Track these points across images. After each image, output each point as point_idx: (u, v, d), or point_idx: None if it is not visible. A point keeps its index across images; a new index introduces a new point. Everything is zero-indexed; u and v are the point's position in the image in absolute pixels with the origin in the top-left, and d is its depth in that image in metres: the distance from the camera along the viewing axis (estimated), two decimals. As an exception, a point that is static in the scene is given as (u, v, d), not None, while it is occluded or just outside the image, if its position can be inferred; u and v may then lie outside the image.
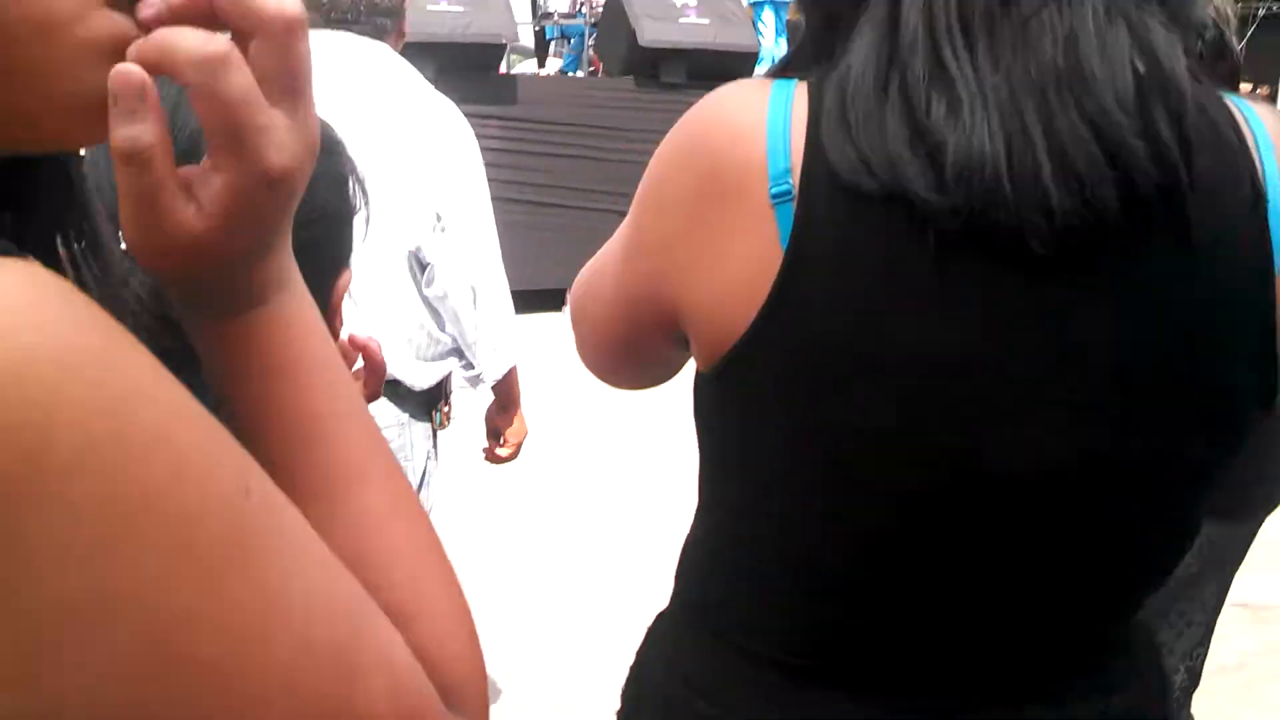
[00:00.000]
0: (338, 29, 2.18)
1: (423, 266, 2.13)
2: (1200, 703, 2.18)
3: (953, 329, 0.76)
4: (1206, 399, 0.80)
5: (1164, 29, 0.77)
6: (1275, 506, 2.05)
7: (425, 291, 2.15)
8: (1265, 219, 0.78)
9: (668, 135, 0.86)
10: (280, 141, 0.46)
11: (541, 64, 13.73)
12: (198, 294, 0.51)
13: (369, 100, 2.10)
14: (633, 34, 8.46)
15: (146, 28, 0.45)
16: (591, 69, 9.93)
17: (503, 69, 9.13)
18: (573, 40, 11.99)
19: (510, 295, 2.31)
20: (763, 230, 0.77)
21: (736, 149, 0.79)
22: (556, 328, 7.78)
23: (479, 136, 7.52)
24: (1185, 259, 0.77)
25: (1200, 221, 0.76)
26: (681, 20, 8.46)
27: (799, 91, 0.80)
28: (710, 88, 0.86)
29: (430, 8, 7.41)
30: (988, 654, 0.86)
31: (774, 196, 0.77)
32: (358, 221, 1.00)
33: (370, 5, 2.21)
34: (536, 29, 12.95)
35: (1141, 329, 0.77)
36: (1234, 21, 1.11)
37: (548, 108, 8.51)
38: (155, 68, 0.44)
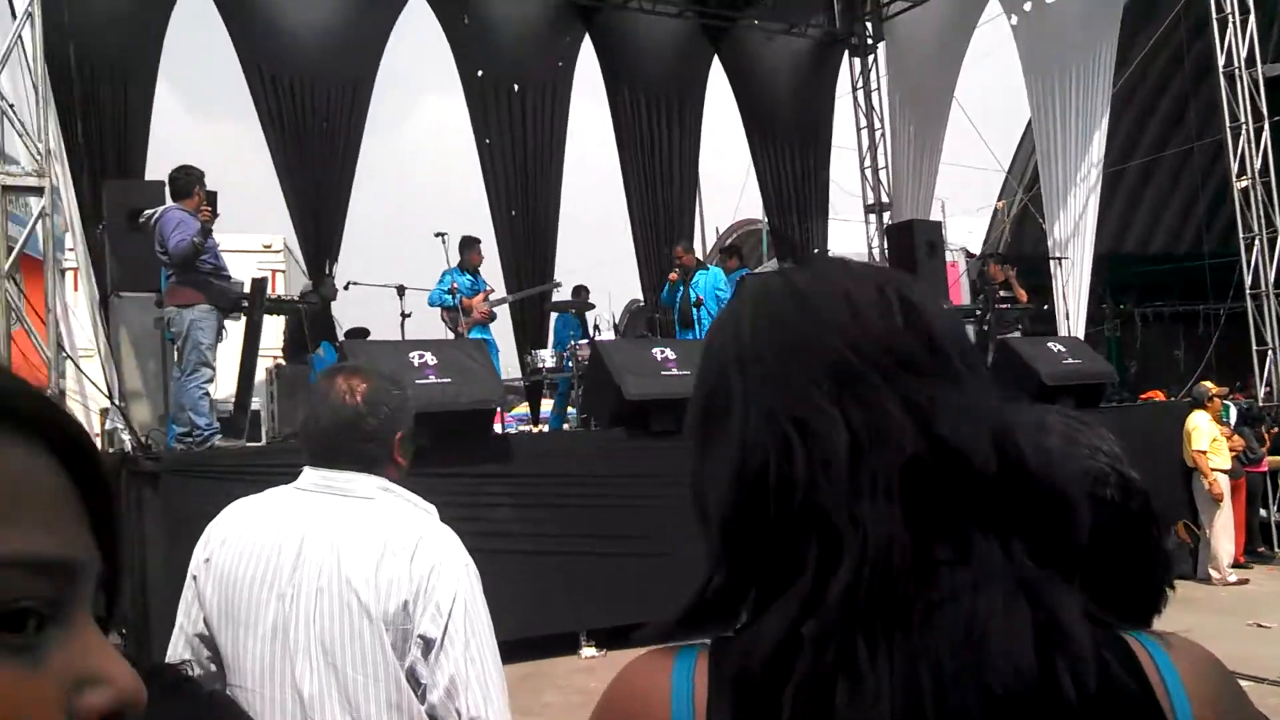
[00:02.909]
0: (323, 466, 2.24)
1: (417, 687, 2.12)
2: None
3: None
4: None
5: (1067, 594, 0.83)
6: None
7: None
8: None
9: (593, 712, 0.93)
10: None
11: (535, 412, 14.29)
12: None
13: (345, 544, 2.13)
14: (618, 389, 8.83)
15: None
16: (583, 418, 10.28)
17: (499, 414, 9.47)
18: (558, 393, 12.51)
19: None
20: None
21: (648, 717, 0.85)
22: (572, 670, 7.74)
23: (481, 495, 7.67)
24: None
25: None
26: (663, 374, 8.90)
27: (699, 664, 0.86)
28: None
29: (420, 382, 7.72)
30: None
31: None
32: None
33: (355, 436, 2.24)
34: (527, 384, 13.51)
35: None
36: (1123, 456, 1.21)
37: (543, 462, 8.74)
38: None
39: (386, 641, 2.09)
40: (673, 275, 12.52)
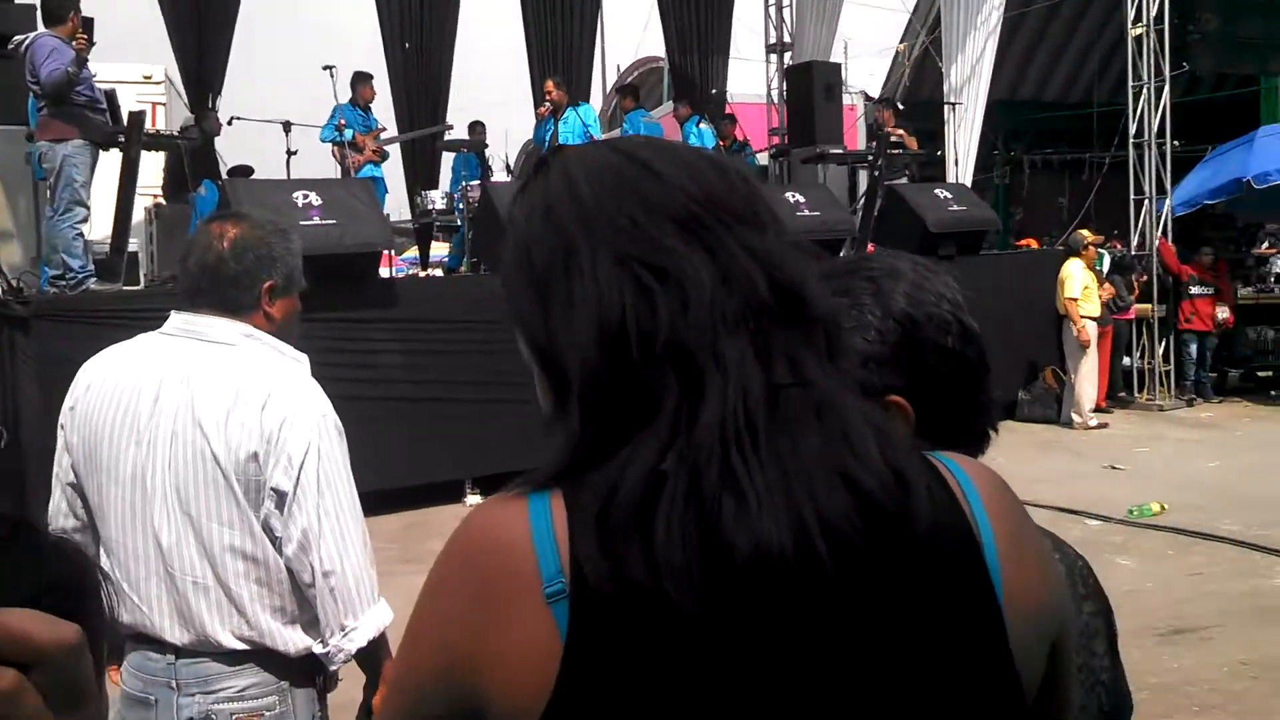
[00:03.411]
0: (187, 310, 2.24)
1: (274, 539, 2.14)
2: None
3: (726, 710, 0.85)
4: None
5: (884, 419, 0.94)
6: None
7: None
8: (984, 559, 0.92)
9: (436, 561, 0.94)
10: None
11: (425, 256, 14.15)
12: None
13: (200, 390, 2.15)
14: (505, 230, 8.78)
15: None
16: (473, 262, 10.23)
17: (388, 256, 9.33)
18: (453, 237, 12.39)
19: (370, 573, 2.22)
20: (542, 626, 0.85)
21: (511, 559, 0.87)
22: (457, 517, 7.83)
23: (366, 340, 7.64)
24: (925, 604, 0.89)
25: (931, 567, 0.89)
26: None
27: (554, 500, 0.88)
28: None
29: (304, 223, 7.60)
30: None
31: (549, 596, 0.85)
32: None
33: (217, 280, 2.22)
34: (415, 226, 13.35)
35: (894, 676, 0.87)
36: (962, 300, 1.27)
37: (431, 307, 8.74)
38: None
39: (239, 491, 2.10)
40: (541, 110, 12.19)
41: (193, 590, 2.13)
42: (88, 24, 7.96)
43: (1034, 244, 14.02)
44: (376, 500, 7.06)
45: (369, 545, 2.24)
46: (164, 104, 13.69)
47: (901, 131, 13.28)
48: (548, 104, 11.93)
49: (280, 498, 2.11)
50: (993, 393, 1.29)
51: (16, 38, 8.11)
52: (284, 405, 2.14)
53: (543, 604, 0.85)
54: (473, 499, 8.45)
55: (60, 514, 2.31)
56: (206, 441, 2.11)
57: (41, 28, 8.07)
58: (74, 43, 7.83)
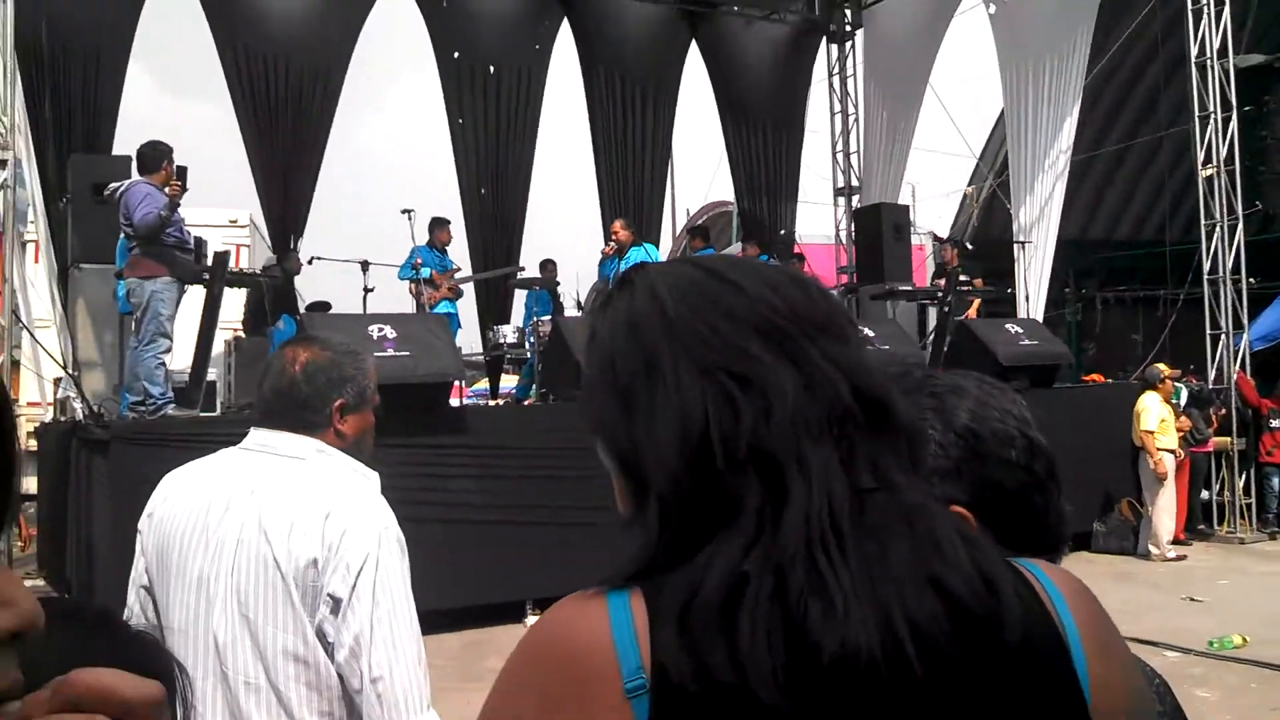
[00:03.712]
0: (265, 428, 2.32)
1: (327, 645, 2.15)
2: None
3: None
4: None
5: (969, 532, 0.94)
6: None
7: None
8: (1072, 664, 0.92)
9: (512, 655, 0.94)
10: None
11: (495, 387, 14.37)
12: None
13: (268, 500, 2.20)
14: (577, 365, 8.92)
15: None
16: (542, 393, 10.37)
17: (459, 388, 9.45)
18: (523, 369, 12.57)
19: (422, 684, 2.19)
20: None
21: (592, 655, 0.87)
22: (517, 637, 7.76)
23: (437, 466, 7.70)
24: (1014, 708, 0.89)
25: (1020, 672, 0.89)
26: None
27: (634, 599, 0.88)
28: None
29: (378, 354, 7.80)
30: None
31: (629, 691, 0.85)
32: None
33: (289, 401, 2.31)
34: (487, 359, 13.60)
35: None
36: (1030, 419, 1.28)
37: (499, 434, 8.86)
38: None
39: (295, 596, 2.13)
40: (607, 249, 12.39)
41: (244, 691, 2.15)
42: (181, 172, 8.35)
43: (1099, 379, 13.82)
44: (438, 619, 7.12)
45: (423, 658, 2.23)
46: (248, 246, 14.29)
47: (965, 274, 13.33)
48: (613, 244, 12.21)
49: (336, 604, 2.13)
50: (1065, 507, 1.29)
51: (112, 185, 8.54)
52: (347, 516, 2.18)
53: (623, 700, 0.85)
54: (532, 619, 8.42)
55: (134, 616, 2.37)
56: (270, 548, 2.16)
57: (136, 176, 8.49)
58: (168, 189, 8.23)
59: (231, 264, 9.88)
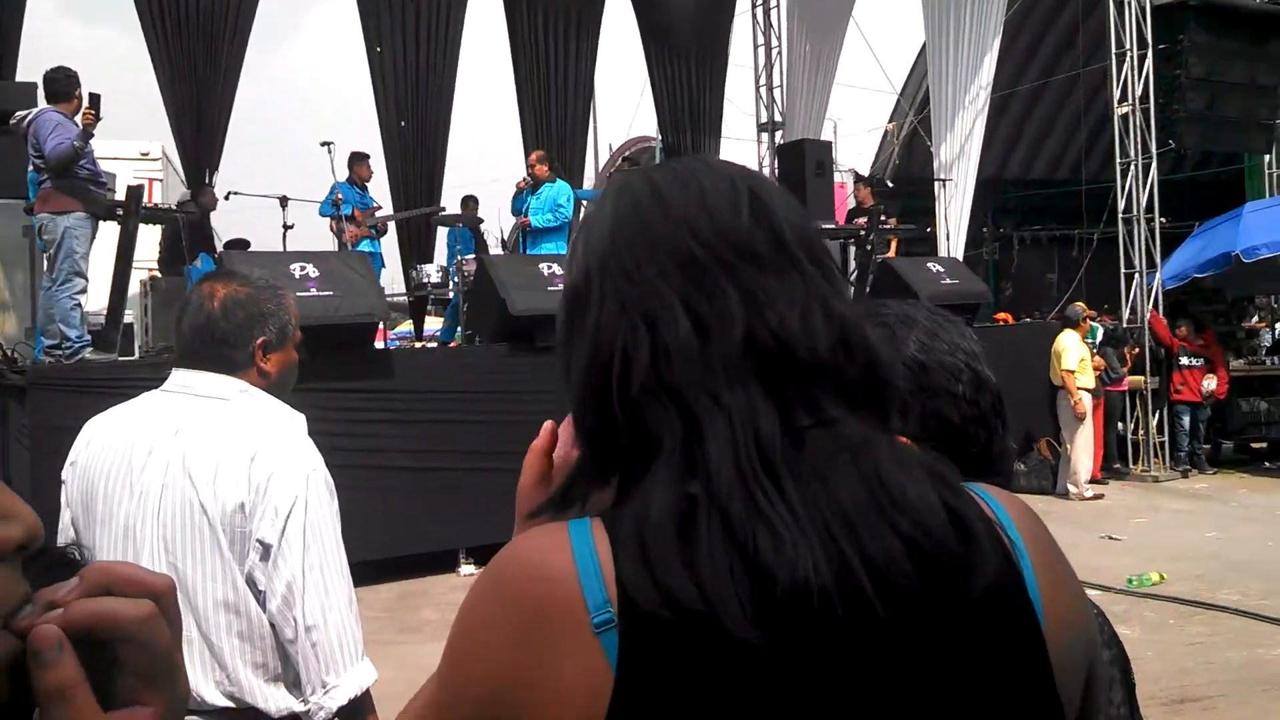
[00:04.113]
0: (186, 369, 2.27)
1: (258, 594, 2.12)
2: None
3: None
4: None
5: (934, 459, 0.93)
6: None
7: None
8: (1028, 593, 0.91)
9: (474, 590, 0.92)
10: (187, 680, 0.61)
11: (419, 330, 14.19)
12: None
13: (192, 443, 2.15)
14: (503, 304, 8.83)
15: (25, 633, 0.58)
16: (468, 334, 10.24)
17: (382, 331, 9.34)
18: (447, 310, 12.40)
19: (354, 631, 2.17)
20: (592, 658, 0.84)
21: (555, 589, 0.86)
22: (451, 587, 7.85)
23: (361, 411, 7.61)
24: (976, 642, 0.88)
25: (988, 611, 0.88)
26: (550, 289, 8.89)
27: (596, 528, 0.88)
28: None
29: (301, 294, 7.63)
30: None
31: (597, 626, 0.84)
32: None
33: (209, 339, 2.25)
34: (410, 299, 13.40)
35: (943, 712, 0.86)
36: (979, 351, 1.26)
37: (425, 378, 8.75)
38: (91, 630, 0.58)
39: (224, 542, 2.09)
40: (521, 183, 12.21)
41: None
42: (95, 100, 7.98)
43: (1009, 319, 14.11)
44: (369, 570, 7.08)
45: (355, 604, 2.20)
46: (161, 180, 13.82)
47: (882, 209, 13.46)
48: (528, 178, 12.04)
49: (265, 550, 2.09)
50: (1009, 443, 1.30)
51: (18, 114, 8.18)
52: (273, 458, 2.13)
53: (591, 635, 0.84)
54: (466, 569, 8.43)
55: None
56: (195, 492, 2.10)
57: (44, 104, 8.13)
58: (80, 118, 7.89)
59: (145, 199, 9.53)
